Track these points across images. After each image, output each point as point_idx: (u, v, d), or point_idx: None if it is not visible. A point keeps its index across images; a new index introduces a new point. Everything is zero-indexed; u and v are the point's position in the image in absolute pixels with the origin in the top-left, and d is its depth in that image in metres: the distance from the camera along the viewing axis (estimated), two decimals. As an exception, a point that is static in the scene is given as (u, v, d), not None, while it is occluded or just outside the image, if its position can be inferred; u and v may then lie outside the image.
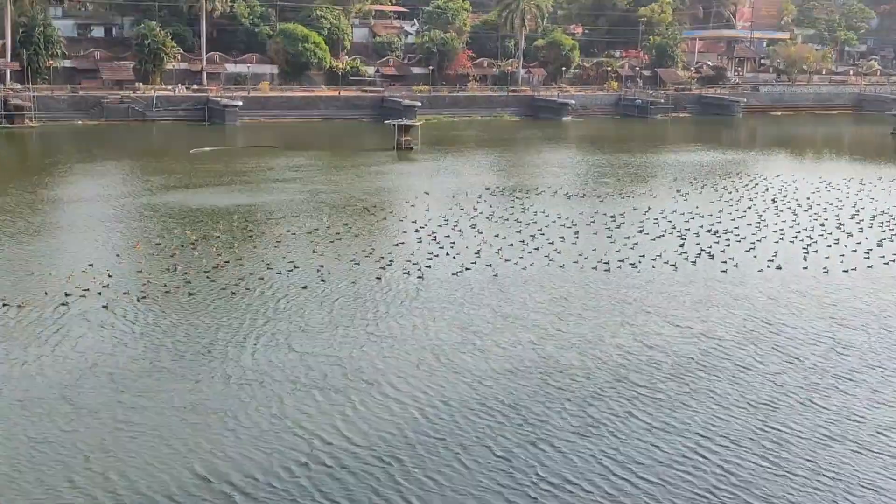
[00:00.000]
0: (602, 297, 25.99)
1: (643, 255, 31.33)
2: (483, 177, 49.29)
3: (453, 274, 28.75)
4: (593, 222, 37.70)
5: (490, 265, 30.18)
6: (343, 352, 20.41)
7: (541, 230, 35.78)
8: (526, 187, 46.13)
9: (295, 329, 22.00)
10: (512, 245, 33.12)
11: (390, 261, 30.37)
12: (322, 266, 28.72)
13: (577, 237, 34.73)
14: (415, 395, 18.04)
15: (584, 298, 25.87)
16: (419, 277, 28.19)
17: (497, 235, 34.61)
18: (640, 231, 35.56)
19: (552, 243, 33.57)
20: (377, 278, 28.05)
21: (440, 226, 36.24)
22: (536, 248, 32.62)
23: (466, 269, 29.45)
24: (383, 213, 38.80)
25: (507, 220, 37.83)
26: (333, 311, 24.11)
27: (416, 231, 35.18)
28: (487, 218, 38.04)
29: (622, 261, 31.00)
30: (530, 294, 25.80)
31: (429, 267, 28.98)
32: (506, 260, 30.94)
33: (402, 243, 33.12)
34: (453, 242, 33.29)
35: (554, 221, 37.62)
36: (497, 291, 26.87)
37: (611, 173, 51.12)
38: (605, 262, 30.69)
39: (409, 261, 30.56)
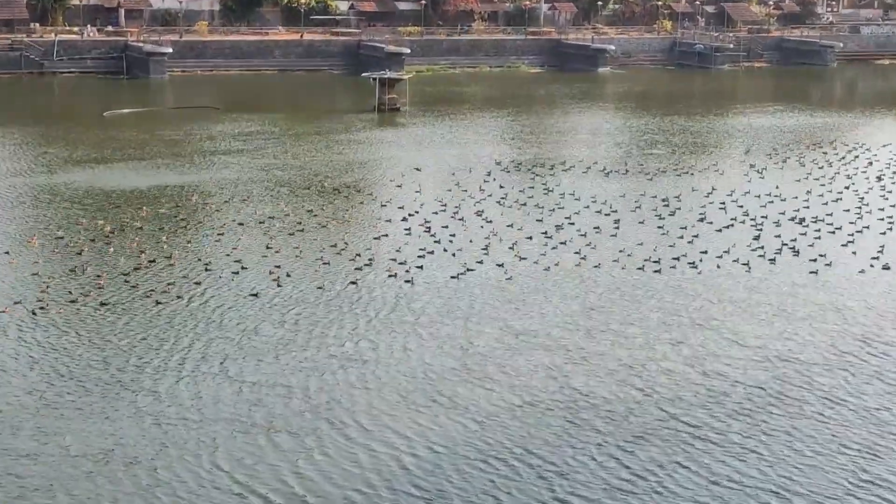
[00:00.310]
0: (649, 308, 25.61)
1: (705, 252, 31.00)
2: (492, 147, 49.15)
3: (453, 277, 28.52)
4: (639, 207, 37.30)
5: (501, 265, 29.47)
6: (302, 382, 20.11)
7: (569, 218, 35.42)
8: (550, 161, 45.77)
9: (240, 351, 21.80)
10: (531, 238, 32.84)
11: (369, 259, 30.12)
12: (279, 267, 28.69)
13: (617, 227, 34.35)
14: (396, 442, 17.71)
15: (626, 309, 25.50)
16: (407, 282, 28.04)
17: (511, 226, 34.32)
18: (702, 219, 35.25)
19: (584, 235, 33.22)
20: (352, 283, 27.86)
21: (435, 213, 35.93)
22: (564, 243, 31.97)
23: (470, 270, 29.23)
24: (360, 197, 38.52)
25: (525, 204, 37.48)
26: (292, 327, 23.91)
27: (404, 220, 34.86)
28: (498, 202, 37.67)
29: (677, 259, 30.07)
30: (554, 304, 25.89)
31: (420, 268, 28.85)
32: (521, 258, 30.12)
33: (385, 236, 32.94)
34: (453, 235, 32.98)
35: (587, 206, 37.26)
36: (510, 300, 26.40)
37: (662, 142, 50.85)
38: (654, 261, 29.69)
39: (395, 259, 29.88)
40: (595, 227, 34.42)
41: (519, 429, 18.44)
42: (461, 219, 35.34)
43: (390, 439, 17.96)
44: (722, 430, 18.38)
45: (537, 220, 35.47)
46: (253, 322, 24.62)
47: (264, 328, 24.21)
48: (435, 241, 32.43)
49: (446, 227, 34.23)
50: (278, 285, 27.74)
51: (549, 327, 24.26)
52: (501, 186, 40.14)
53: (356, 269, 29.60)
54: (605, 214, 36.29)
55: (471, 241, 32.60)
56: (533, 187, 40.50)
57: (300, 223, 34.38)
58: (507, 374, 21.13)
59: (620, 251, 31.69)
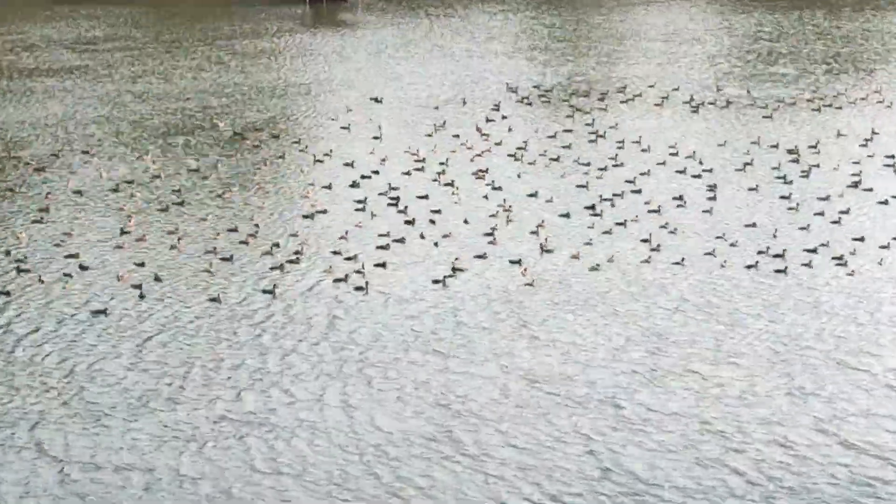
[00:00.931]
0: (761, 333, 26.11)
1: (860, 239, 31.89)
2: (500, 63, 50.73)
3: (435, 283, 28.96)
4: (748, 165, 38.27)
5: (517, 262, 30.45)
6: (167, 469, 20.35)
7: (631, 183, 36.42)
8: (598, 86, 47.23)
9: (66, 412, 21.85)
10: (567, 217, 33.67)
11: (295, 253, 30.92)
12: (141, 264, 30.42)
13: (712, 198, 35.27)
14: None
15: (725, 335, 25.95)
16: (359, 290, 28.54)
17: (533, 196, 35.25)
18: (855, 184, 36.24)
19: (657, 212, 34.09)
20: (266, 292, 28.43)
21: (407, 174, 37.20)
22: (622, 224, 33.04)
23: (461, 270, 29.71)
24: (279, 147, 39.92)
25: (557, 160, 38.52)
26: (158, 369, 24.23)
27: (354, 186, 35.99)
28: (512, 157, 38.85)
29: (814, 250, 31.50)
30: (607, 333, 26.75)
31: (381, 266, 30.29)
32: (547, 250, 31.48)
33: (323, 213, 33.97)
34: (436, 212, 33.87)
35: (661, 163, 38.33)
36: (528, 325, 27.12)
37: (787, 54, 52.58)
38: (775, 255, 31.11)
39: (338, 253, 31.27)
40: (675, 199, 34.92)
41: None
42: (449, 184, 35.99)
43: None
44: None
45: (577, 187, 35.94)
46: (92, 360, 24.56)
47: (110, 371, 24.14)
48: (406, 222, 32.89)
49: (424, 197, 34.81)
50: (140, 296, 27.86)
51: (596, 377, 24.26)
52: (512, 129, 40.96)
53: (273, 268, 29.67)
54: (692, 176, 36.90)
55: (465, 222, 33.05)
56: (570, 130, 41.08)
57: (178, 192, 34.91)
58: (530, 473, 20.92)
59: (718, 237, 31.97)
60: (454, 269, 29.75)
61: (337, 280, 28.94)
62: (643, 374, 24.07)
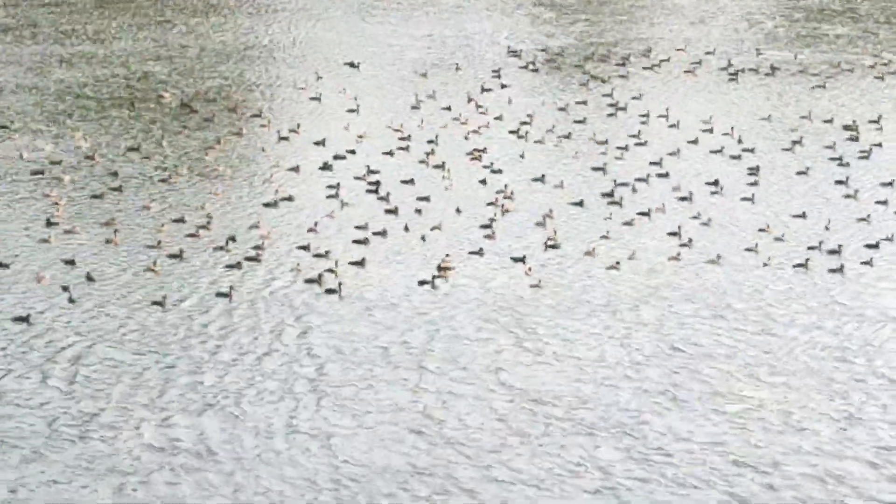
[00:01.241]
0: (811, 346, 26.22)
1: None
2: (501, 21, 51.28)
3: (422, 283, 29.29)
4: (796, 144, 38.58)
5: (520, 259, 30.62)
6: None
7: (657, 164, 36.82)
8: (617, 48, 47.74)
9: None
10: (580, 205, 34.05)
11: (255, 248, 31.10)
12: (70, 262, 30.36)
13: (753, 182, 35.61)
14: None
15: (767, 348, 26.07)
16: (330, 292, 28.78)
17: (539, 180, 35.60)
18: None
19: (687, 199, 34.47)
20: (219, 295, 28.58)
21: (388, 154, 37.57)
22: (645, 214, 33.40)
23: (451, 270, 29.89)
24: (237, 122, 40.44)
25: (569, 136, 38.91)
26: (90, 389, 24.09)
27: (326, 168, 36.52)
28: (514, 133, 39.23)
29: (874, 246, 31.64)
30: (622, 336, 26.87)
31: (359, 264, 30.51)
32: (553, 245, 31.68)
33: (288, 200, 34.38)
34: (423, 199, 34.28)
35: (693, 141, 38.83)
36: (532, 331, 27.22)
37: (842, 12, 53.42)
38: (830, 251, 31.31)
39: (307, 248, 31.42)
40: (709, 184, 35.13)
41: None
42: (439, 167, 36.26)
43: None
44: None
45: (593, 170, 36.12)
46: (7, 376, 24.50)
47: (29, 390, 23.96)
48: (388, 212, 33.17)
49: (409, 182, 35.07)
50: (70, 300, 27.93)
51: (612, 400, 24.22)
52: (512, 101, 40.69)
53: (229, 266, 29.85)
54: (730, 157, 37.13)
55: (458, 212, 33.30)
56: (584, 102, 41.21)
57: (115, 175, 34.98)
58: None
59: (760, 230, 32.19)
60: (444, 269, 29.76)
61: (309, 280, 29.13)
62: (668, 395, 24.02)
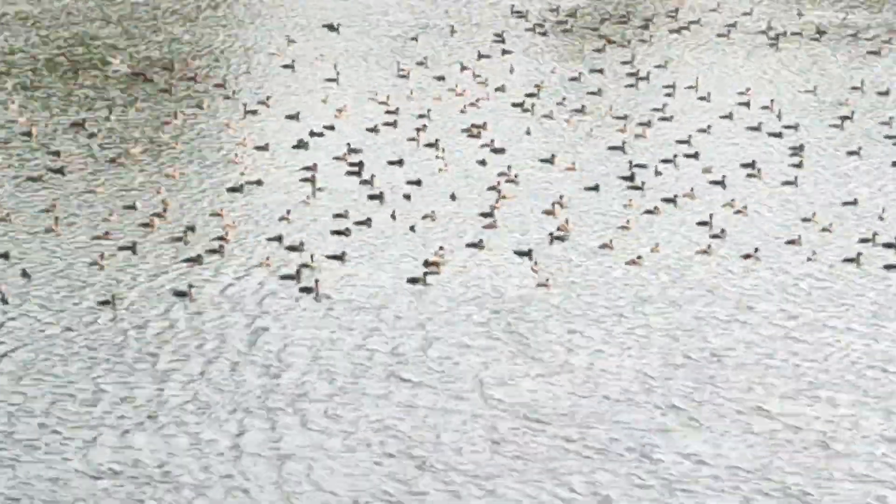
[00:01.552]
0: (860, 356, 26.04)
1: None
2: None
3: (411, 282, 29.30)
4: (847, 119, 38.35)
5: (526, 253, 30.55)
6: None
7: (686, 142, 36.63)
8: (636, 8, 47.49)
9: None
10: (595, 190, 33.82)
11: (219, 238, 31.06)
12: (3, 256, 30.34)
13: (796, 164, 35.27)
14: None
15: (808, 357, 25.92)
16: (306, 291, 28.72)
17: (547, 160, 35.40)
18: None
19: (720, 184, 34.28)
20: (176, 294, 28.57)
21: (372, 130, 37.45)
22: (670, 201, 33.23)
23: (443, 265, 29.77)
24: (198, 93, 40.20)
25: (582, 110, 38.75)
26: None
27: (300, 147, 36.41)
28: (518, 106, 39.05)
29: None
30: (640, 343, 26.80)
31: (337, 258, 30.39)
32: (559, 237, 31.50)
33: (258, 184, 34.29)
34: (413, 183, 34.19)
35: (726, 115, 38.56)
36: (538, 337, 27.18)
37: None
38: (883, 245, 31.30)
39: (278, 240, 31.32)
40: (745, 166, 35.06)
41: None
42: (432, 145, 36.25)
43: None
44: None
45: (610, 150, 36.11)
46: None
47: None
48: (372, 198, 33.17)
49: (397, 163, 35.09)
50: (2, 300, 27.94)
51: (627, 417, 24.30)
52: (515, 69, 40.90)
53: (188, 261, 29.73)
54: (769, 134, 37.03)
55: (453, 199, 33.29)
56: (600, 71, 41.10)
57: (56, 154, 34.86)
58: None
59: (804, 220, 32.15)
60: (433, 264, 29.73)
61: (286, 277, 29.15)
62: (691, 411, 23.92)
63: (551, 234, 31.48)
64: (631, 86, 40.54)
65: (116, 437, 23.38)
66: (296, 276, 29.03)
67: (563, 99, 39.59)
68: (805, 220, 32.18)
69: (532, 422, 23.97)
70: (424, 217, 32.09)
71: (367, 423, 23.80)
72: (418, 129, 37.02)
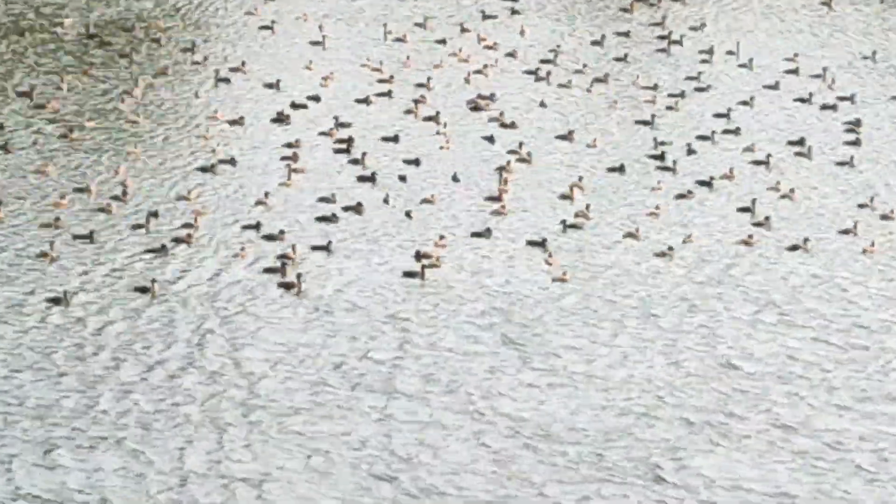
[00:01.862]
0: None
1: None
2: None
3: (407, 275, 29.33)
4: None
5: (540, 243, 30.65)
6: None
7: (723, 117, 36.58)
8: None
9: None
10: (620, 171, 33.80)
11: (186, 226, 30.88)
12: None
13: (855, 143, 35.44)
14: None
15: (856, 365, 26.11)
16: (286, 286, 28.80)
17: (564, 137, 35.41)
18: None
19: (764, 164, 34.25)
20: (137, 290, 28.43)
21: (363, 102, 37.37)
22: (705, 184, 33.32)
23: (442, 257, 29.71)
24: (162, 58, 40.15)
25: (604, 80, 38.80)
26: None
27: (280, 121, 36.36)
28: (531, 74, 39.09)
29: None
30: (663, 347, 26.86)
31: (325, 249, 30.51)
32: (571, 225, 31.61)
33: (231, 163, 34.11)
34: (411, 163, 34.17)
35: (770, 87, 38.48)
36: (548, 340, 27.20)
37: None
38: None
39: (257, 228, 31.30)
40: (792, 143, 35.18)
41: None
42: (432, 118, 36.35)
43: None
44: None
45: (637, 125, 36.27)
46: None
47: None
48: (362, 179, 33.26)
49: (392, 139, 35.20)
50: None
51: (641, 433, 24.25)
52: (527, 32, 41.01)
53: (151, 251, 29.75)
54: (821, 107, 37.14)
55: (456, 180, 33.36)
56: (626, 34, 41.23)
57: (0, 128, 34.99)
58: None
59: (861, 206, 32.24)
60: (426, 256, 29.84)
61: (267, 271, 29.21)
62: (716, 426, 24.02)
63: (563, 221, 31.53)
64: (661, 51, 40.69)
65: (65, 457, 23.45)
66: (275, 270, 29.08)
67: (583, 66, 39.66)
68: (862, 206, 32.25)
69: (536, 439, 24.11)
70: (423, 202, 32.18)
71: (347, 439, 23.92)
72: (416, 101, 37.09)
